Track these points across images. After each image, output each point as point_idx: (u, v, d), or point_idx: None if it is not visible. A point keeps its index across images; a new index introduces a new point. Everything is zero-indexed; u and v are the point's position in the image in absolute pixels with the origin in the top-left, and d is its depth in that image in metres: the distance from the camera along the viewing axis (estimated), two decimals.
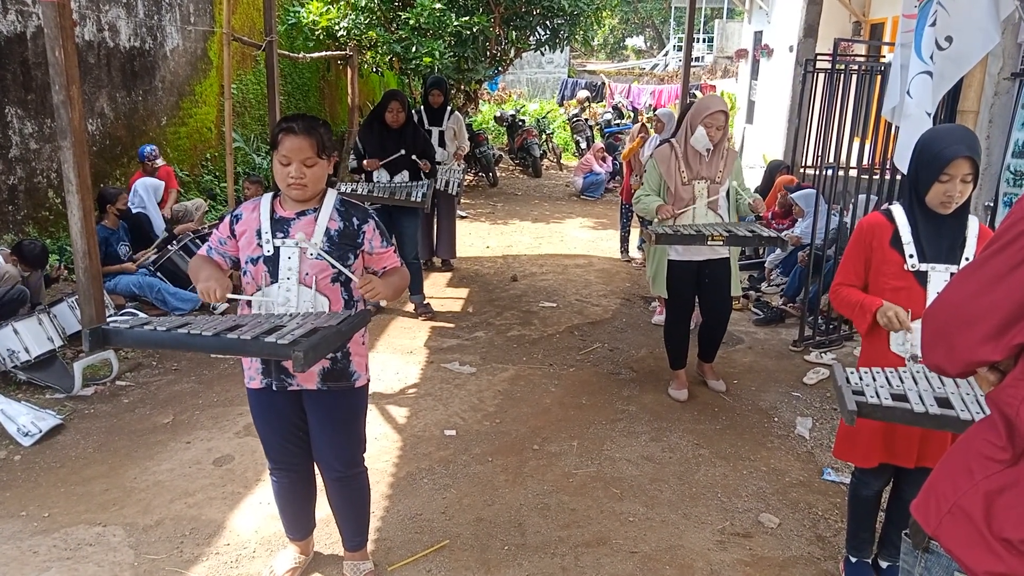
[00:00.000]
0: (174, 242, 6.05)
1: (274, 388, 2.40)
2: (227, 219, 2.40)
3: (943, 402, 1.93)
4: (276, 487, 2.63)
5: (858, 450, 2.54)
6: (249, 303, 2.35)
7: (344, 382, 2.43)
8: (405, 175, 5.36)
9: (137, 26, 7.44)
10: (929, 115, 3.58)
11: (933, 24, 3.41)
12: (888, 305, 2.31)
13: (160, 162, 7.06)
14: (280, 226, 2.31)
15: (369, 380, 2.55)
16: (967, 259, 2.34)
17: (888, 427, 2.40)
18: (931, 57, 3.45)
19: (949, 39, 3.31)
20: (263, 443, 2.56)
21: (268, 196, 2.39)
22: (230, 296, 2.24)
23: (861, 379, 2.07)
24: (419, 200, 5.10)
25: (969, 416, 1.84)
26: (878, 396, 1.96)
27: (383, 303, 2.32)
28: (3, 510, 3.15)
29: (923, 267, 2.35)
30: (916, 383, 2.03)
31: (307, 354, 1.89)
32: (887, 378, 2.07)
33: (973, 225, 2.37)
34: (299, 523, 2.72)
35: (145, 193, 6.38)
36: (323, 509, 2.79)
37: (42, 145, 6.06)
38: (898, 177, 4.95)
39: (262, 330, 2.03)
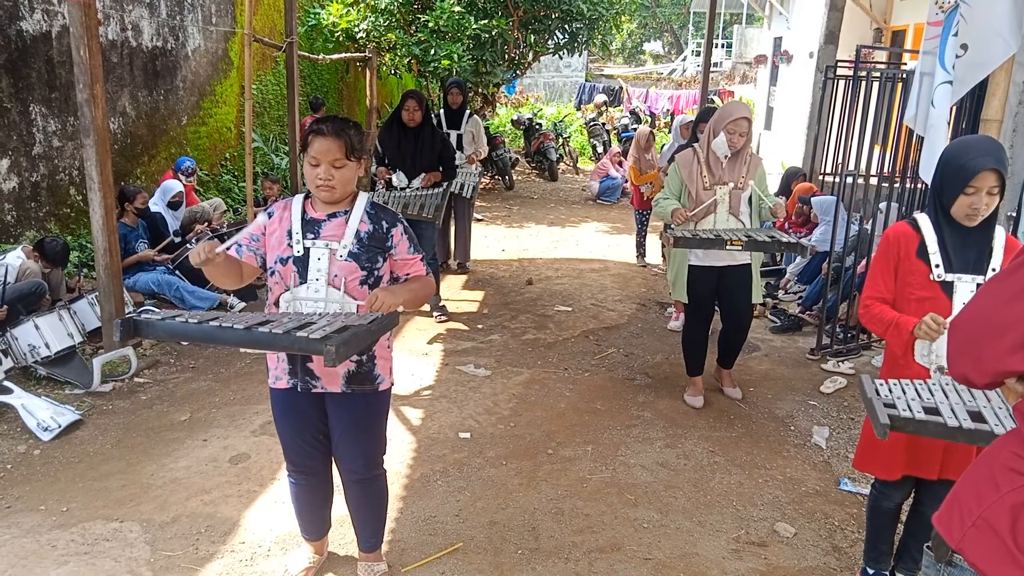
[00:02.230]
0: (193, 240, 6.10)
1: (299, 389, 2.41)
2: (260, 217, 2.42)
3: (976, 416, 1.89)
4: (294, 489, 2.63)
5: (880, 462, 2.50)
6: (269, 290, 2.35)
7: (368, 385, 2.43)
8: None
9: (160, 26, 7.51)
10: (947, 123, 3.56)
11: (955, 34, 3.40)
12: (922, 320, 2.22)
13: (186, 180, 6.97)
14: (311, 227, 2.32)
15: (393, 384, 2.56)
16: (993, 270, 2.30)
17: (911, 439, 2.37)
18: (953, 67, 3.45)
19: (964, 47, 3.33)
20: (283, 444, 2.56)
21: (300, 197, 2.40)
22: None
23: (891, 391, 2.03)
24: (430, 215, 4.98)
25: (1004, 430, 1.81)
26: (910, 409, 1.92)
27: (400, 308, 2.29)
28: (22, 504, 3.18)
29: (949, 277, 2.31)
30: (947, 396, 1.99)
31: (339, 349, 1.88)
32: (916, 390, 2.03)
33: (999, 236, 2.34)
34: (315, 525, 2.73)
35: (159, 193, 6.42)
36: (338, 510, 2.80)
37: (65, 143, 6.13)
38: (919, 186, 4.91)
39: (292, 326, 2.03)
